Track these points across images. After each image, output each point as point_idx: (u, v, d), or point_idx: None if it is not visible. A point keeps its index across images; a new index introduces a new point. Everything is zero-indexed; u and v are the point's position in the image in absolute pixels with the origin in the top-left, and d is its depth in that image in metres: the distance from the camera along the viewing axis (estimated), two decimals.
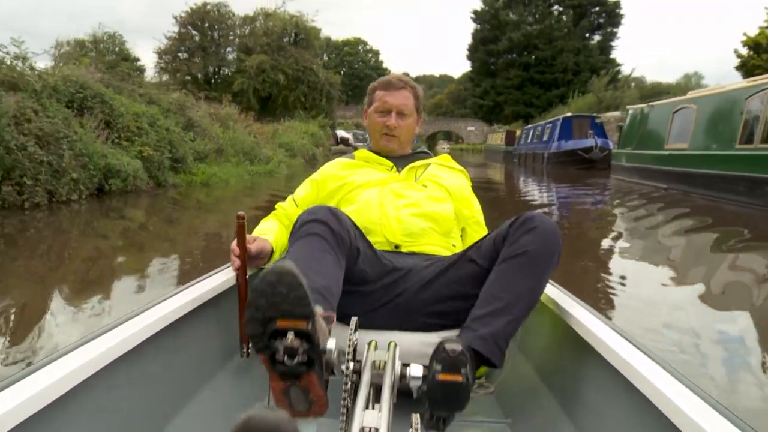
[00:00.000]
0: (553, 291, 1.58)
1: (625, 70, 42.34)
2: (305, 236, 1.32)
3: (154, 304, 1.29)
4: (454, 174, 1.90)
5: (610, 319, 1.53)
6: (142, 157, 9.36)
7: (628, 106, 14.60)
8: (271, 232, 1.70)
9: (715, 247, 5.73)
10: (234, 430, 0.66)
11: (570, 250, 4.84)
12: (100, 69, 11.58)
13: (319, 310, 1.04)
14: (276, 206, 1.84)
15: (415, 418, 0.90)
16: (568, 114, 21.06)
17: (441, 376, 1.04)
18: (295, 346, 0.93)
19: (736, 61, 23.70)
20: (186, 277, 4.02)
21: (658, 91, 29.92)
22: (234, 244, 1.51)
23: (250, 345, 1.33)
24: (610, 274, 4.56)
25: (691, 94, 11.04)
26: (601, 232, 6.93)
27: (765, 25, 21.49)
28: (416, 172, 1.83)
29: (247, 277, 1.51)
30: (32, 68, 8.56)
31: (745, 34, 22.33)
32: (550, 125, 20.69)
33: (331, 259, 1.30)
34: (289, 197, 1.87)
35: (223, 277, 1.54)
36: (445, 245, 1.69)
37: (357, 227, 1.48)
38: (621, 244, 6.11)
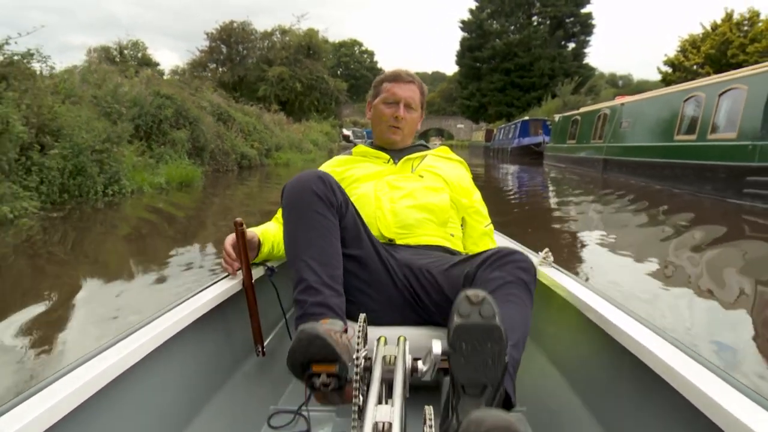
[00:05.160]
0: (563, 278, 1.65)
1: (619, 70, 48.32)
2: (301, 214, 1.44)
3: (163, 312, 1.34)
4: (452, 165, 1.99)
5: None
6: (254, 148, 16.87)
7: (555, 114, 22.25)
8: (260, 227, 1.79)
9: (574, 186, 13.28)
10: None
11: (513, 197, 12.80)
12: (220, 93, 18.99)
13: (336, 327, 1.28)
14: (278, 211, 1.86)
15: (428, 410, 0.95)
16: (526, 117, 28.73)
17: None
18: (327, 382, 1.16)
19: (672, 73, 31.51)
20: None
21: (642, 89, 36.08)
22: (228, 246, 1.62)
23: (265, 344, 1.63)
24: (526, 199, 12.12)
25: (582, 109, 18.66)
26: (525, 186, 14.55)
27: (679, 49, 29.26)
28: (413, 163, 1.92)
29: (253, 282, 1.61)
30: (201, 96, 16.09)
31: (666, 55, 30.17)
32: (514, 126, 28.32)
33: (328, 233, 1.45)
34: None
35: (229, 283, 1.60)
36: (442, 235, 1.78)
37: (341, 188, 1.54)
38: (525, 184, 13.71)
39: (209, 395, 1.48)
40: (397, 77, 1.92)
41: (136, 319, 1.29)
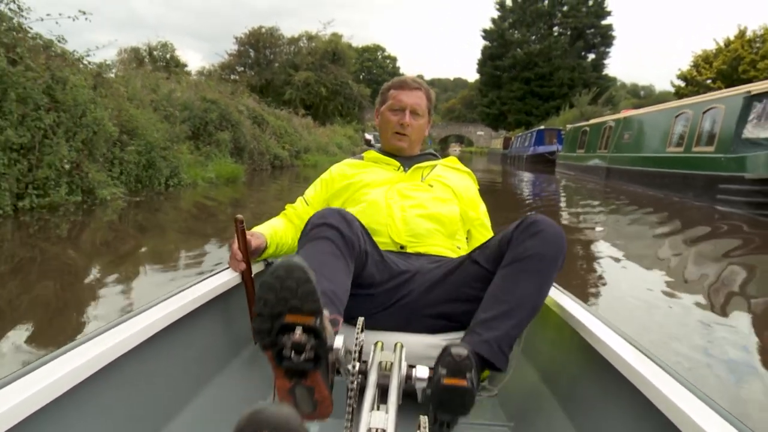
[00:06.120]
0: (556, 293, 1.65)
1: (641, 81, 49.05)
2: (315, 239, 1.38)
3: (160, 300, 1.35)
4: (460, 175, 2.01)
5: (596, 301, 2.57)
6: (285, 150, 18.45)
7: (568, 125, 23.60)
8: (269, 226, 1.81)
9: (580, 188, 14.66)
10: (238, 425, 0.68)
11: (526, 198, 14.05)
12: (255, 98, 20.63)
13: (325, 312, 1.06)
14: (286, 206, 1.95)
15: (423, 420, 0.94)
16: (542, 127, 30.08)
17: (446, 380, 1.09)
18: (302, 342, 0.97)
19: (684, 87, 32.73)
20: None
21: (662, 100, 36.71)
22: (235, 246, 1.61)
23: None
24: (537, 196, 13.53)
25: (591, 121, 20.02)
26: (537, 187, 15.97)
27: (692, 63, 30.46)
28: (422, 172, 1.93)
29: (252, 276, 1.64)
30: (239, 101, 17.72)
31: (679, 69, 31.38)
32: (530, 135, 29.67)
33: (341, 265, 1.36)
34: (300, 197, 1.96)
35: (229, 275, 1.62)
36: (450, 247, 1.79)
37: (366, 230, 1.54)
38: (536, 190, 15.14)
39: (196, 390, 1.48)
40: (402, 84, 1.95)
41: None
